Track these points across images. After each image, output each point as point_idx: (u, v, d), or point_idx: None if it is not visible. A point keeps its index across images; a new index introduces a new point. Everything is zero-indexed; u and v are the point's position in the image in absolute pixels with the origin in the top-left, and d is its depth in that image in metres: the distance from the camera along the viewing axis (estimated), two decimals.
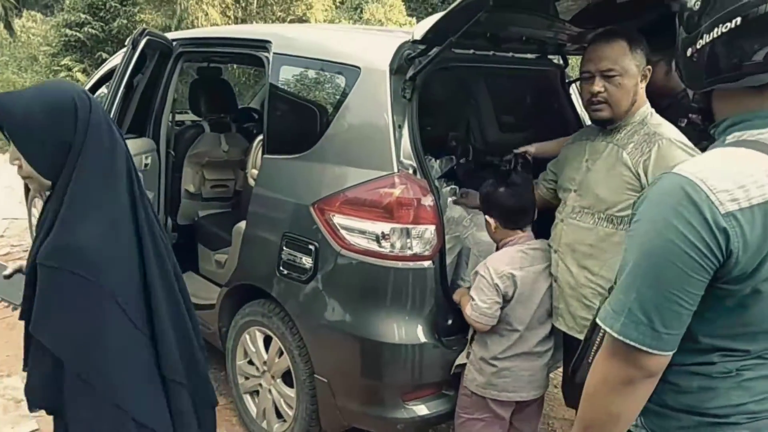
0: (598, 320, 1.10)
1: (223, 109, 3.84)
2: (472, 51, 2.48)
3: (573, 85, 3.05)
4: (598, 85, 1.94)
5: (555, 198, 2.25)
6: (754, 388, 1.10)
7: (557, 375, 2.98)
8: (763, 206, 0.96)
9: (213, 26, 11.07)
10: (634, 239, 1.05)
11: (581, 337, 2.02)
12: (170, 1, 12.25)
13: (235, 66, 8.00)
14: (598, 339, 1.26)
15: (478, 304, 2.07)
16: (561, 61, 3.01)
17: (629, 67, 1.91)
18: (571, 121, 3.02)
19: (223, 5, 12.90)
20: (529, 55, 2.84)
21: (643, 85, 1.95)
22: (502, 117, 3.50)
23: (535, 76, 3.08)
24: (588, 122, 2.95)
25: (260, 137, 2.84)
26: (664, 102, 2.29)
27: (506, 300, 2.10)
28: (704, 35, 1.04)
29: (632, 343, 1.02)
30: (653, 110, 1.98)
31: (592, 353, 1.27)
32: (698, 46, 1.05)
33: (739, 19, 0.99)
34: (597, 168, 1.98)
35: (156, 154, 3.22)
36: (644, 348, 1.02)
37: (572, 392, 2.40)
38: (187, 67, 4.04)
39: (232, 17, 12.99)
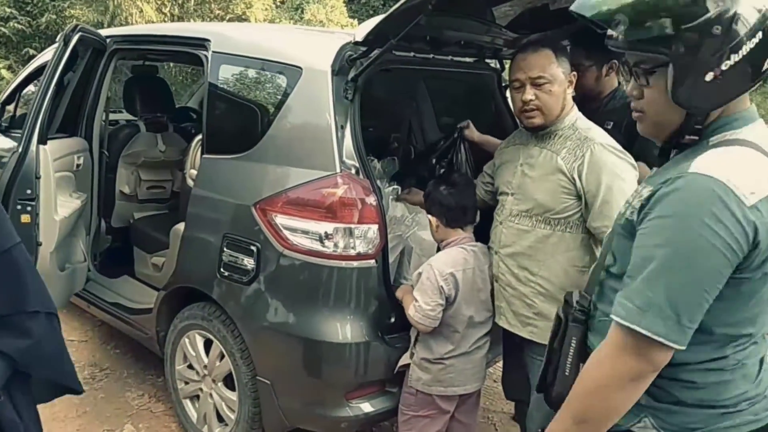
0: (616, 318, 1.10)
1: (159, 108, 3.74)
2: (412, 54, 2.52)
3: (509, 88, 3.14)
4: (530, 93, 2.01)
5: (493, 199, 2.31)
6: (751, 374, 1.18)
7: (497, 369, 3.05)
8: None
9: (149, 23, 10.76)
10: (662, 236, 1.07)
11: (523, 333, 2.10)
12: None
13: (171, 64, 7.80)
14: (571, 350, 1.30)
15: (422, 306, 2.10)
16: (498, 65, 3.09)
17: (557, 74, 1.99)
18: (507, 124, 3.10)
19: (159, 2, 12.55)
20: (467, 59, 2.91)
21: (570, 91, 2.04)
22: (442, 119, 3.56)
23: (474, 79, 3.15)
24: None
25: (199, 137, 2.78)
26: (592, 105, 2.39)
27: (449, 302, 2.14)
28: (731, 55, 1.08)
29: (658, 338, 1.05)
30: (581, 114, 2.07)
31: (568, 365, 1.30)
32: (724, 68, 1.09)
33: (760, 34, 1.08)
34: (534, 173, 2.05)
35: (89, 155, 3.11)
36: (668, 342, 1.05)
37: (511, 386, 2.48)
38: (120, 65, 3.91)
39: (168, 14, 12.64)
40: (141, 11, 11.97)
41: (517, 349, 2.23)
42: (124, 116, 4.12)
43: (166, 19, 12.36)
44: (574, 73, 2.05)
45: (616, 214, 1.89)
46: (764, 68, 1.11)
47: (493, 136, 2.71)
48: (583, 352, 1.30)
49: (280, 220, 2.18)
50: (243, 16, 13.34)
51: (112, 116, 3.88)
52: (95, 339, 3.52)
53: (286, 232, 2.17)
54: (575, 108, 2.09)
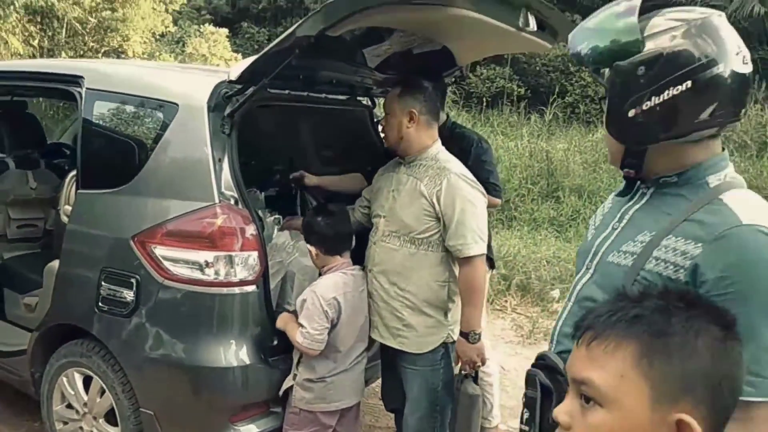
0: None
1: (30, 145, 3.63)
2: (287, 91, 2.69)
3: (380, 123, 3.40)
4: (384, 121, 2.42)
5: (369, 222, 2.52)
6: None
7: (379, 386, 3.22)
8: None
9: (15, 57, 10.20)
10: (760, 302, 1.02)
11: (394, 344, 2.29)
12: None
13: (41, 99, 7.45)
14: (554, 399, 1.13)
15: (309, 331, 2.21)
16: (369, 102, 3.34)
17: (394, 108, 2.34)
18: (379, 153, 3.34)
19: (26, 33, 11.91)
20: (340, 96, 3.12)
21: (410, 125, 2.30)
22: (323, 152, 3.75)
23: (347, 115, 3.37)
24: None
25: (73, 173, 2.77)
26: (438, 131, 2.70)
27: (333, 324, 2.27)
28: (652, 97, 1.11)
29: None
30: (443, 148, 2.35)
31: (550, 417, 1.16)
32: (644, 107, 1.12)
33: (689, 83, 1.09)
34: (401, 198, 2.30)
35: None
36: None
37: (389, 397, 2.65)
38: None
39: (37, 47, 12.03)
40: (6, 43, 11.30)
41: (391, 361, 2.42)
42: None
43: (35, 51, 11.74)
44: (412, 110, 2.30)
45: (471, 235, 2.13)
46: (700, 118, 1.12)
47: (368, 164, 2.94)
48: None
49: (160, 251, 2.24)
50: (119, 49, 12.94)
51: None
52: None
53: (166, 263, 2.23)
54: (438, 142, 2.37)
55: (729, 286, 1.03)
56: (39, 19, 12.11)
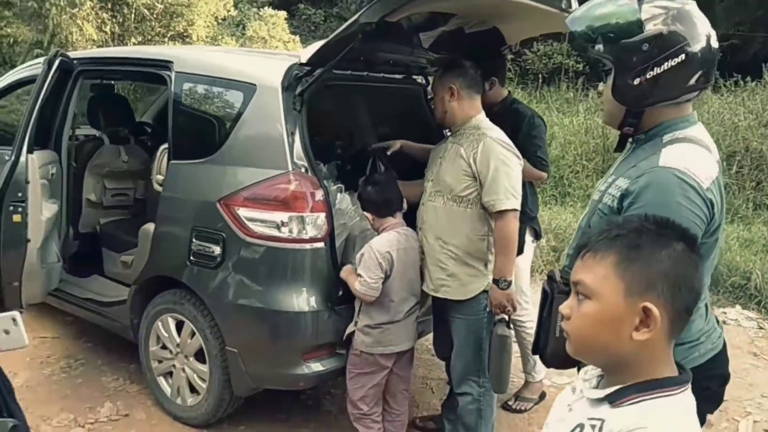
0: None
1: (121, 123, 4.07)
2: (349, 72, 2.99)
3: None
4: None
5: None
6: (703, 314, 1.54)
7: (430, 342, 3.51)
8: (716, 180, 1.45)
9: (92, 44, 10.86)
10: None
11: (439, 294, 2.59)
12: (41, 15, 11.80)
13: (119, 84, 8.01)
14: (560, 317, 1.51)
15: (366, 280, 2.52)
16: (424, 81, 3.60)
17: (437, 87, 2.64)
18: (433, 131, 3.60)
19: (99, 20, 12.62)
20: (396, 76, 3.40)
21: (452, 99, 2.58)
22: (379, 128, 4.04)
23: (404, 93, 3.64)
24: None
25: (164, 146, 3.16)
26: (494, 108, 2.94)
27: (387, 276, 2.58)
28: (654, 68, 1.42)
29: None
30: (485, 118, 2.62)
31: (558, 329, 1.52)
32: (648, 76, 1.44)
33: (683, 56, 1.42)
34: (446, 162, 2.58)
35: (59, 165, 3.43)
36: None
37: (439, 346, 2.94)
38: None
39: (109, 33, 12.71)
40: (81, 30, 11.99)
41: (441, 313, 2.72)
42: (87, 131, 4.42)
43: (106, 37, 12.40)
44: (451, 86, 2.57)
45: (503, 191, 2.40)
46: (689, 83, 1.44)
47: (420, 140, 3.21)
48: None
49: (242, 212, 2.60)
50: (185, 34, 13.45)
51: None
52: (67, 335, 3.81)
53: (248, 223, 2.59)
54: (481, 114, 2.64)
55: (635, 207, 1.38)
56: (110, 6, 12.79)
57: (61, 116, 3.42)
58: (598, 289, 0.98)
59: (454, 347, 2.65)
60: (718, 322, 1.60)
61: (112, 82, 4.52)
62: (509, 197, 2.44)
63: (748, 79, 8.72)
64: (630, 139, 1.60)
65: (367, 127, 4.01)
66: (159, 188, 3.12)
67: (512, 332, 2.58)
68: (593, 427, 0.96)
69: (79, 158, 3.74)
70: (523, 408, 3.28)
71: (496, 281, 2.47)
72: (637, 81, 1.46)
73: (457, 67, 2.61)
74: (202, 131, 2.91)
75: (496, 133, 2.54)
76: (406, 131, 3.76)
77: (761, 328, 4.43)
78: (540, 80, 11.94)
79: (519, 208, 2.48)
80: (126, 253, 3.49)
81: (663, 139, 1.48)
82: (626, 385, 0.97)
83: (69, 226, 3.68)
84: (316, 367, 2.64)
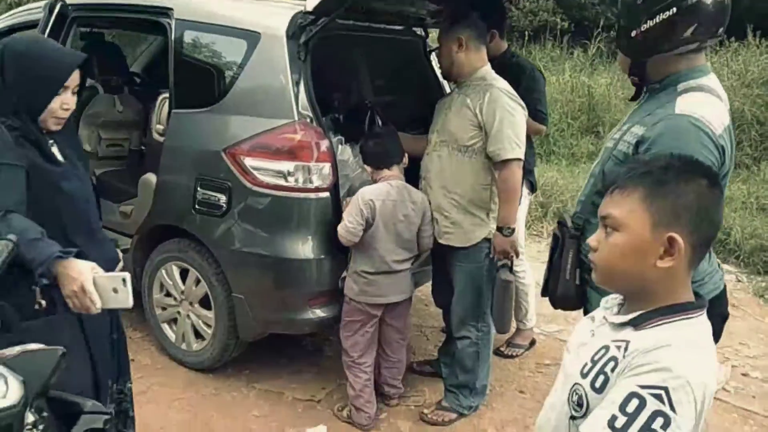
0: None
1: (114, 72, 4.02)
2: (351, 21, 2.99)
3: (433, 53, 3.65)
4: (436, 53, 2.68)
5: None
6: (707, 257, 1.58)
7: (427, 296, 3.61)
8: (728, 128, 1.53)
9: None
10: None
11: (442, 241, 2.66)
12: None
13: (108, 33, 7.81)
14: (570, 259, 1.69)
15: (346, 224, 2.56)
16: (423, 33, 3.60)
17: (445, 39, 2.65)
18: (432, 84, 3.63)
19: None
20: (397, 27, 3.40)
21: (459, 51, 2.60)
22: (376, 81, 4.04)
23: (403, 45, 3.64)
24: (446, 87, 3.64)
25: (163, 95, 3.15)
26: (495, 61, 2.97)
27: (369, 224, 2.58)
28: (648, 20, 1.52)
29: None
30: (491, 70, 2.65)
31: (568, 271, 1.70)
32: (642, 29, 1.53)
33: (675, 9, 1.49)
34: (451, 113, 2.63)
35: None
36: None
37: (438, 294, 3.04)
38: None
39: None
40: None
41: (441, 260, 2.80)
42: None
43: None
44: (459, 36, 2.59)
45: (507, 141, 2.45)
46: (685, 35, 1.51)
47: (418, 92, 3.24)
48: (578, 260, 1.73)
49: (248, 161, 2.62)
50: None
51: None
52: None
53: (254, 172, 2.62)
54: (487, 66, 2.67)
55: (651, 151, 1.47)
56: None
57: None
58: (626, 221, 1.06)
59: (455, 294, 2.74)
60: (719, 266, 1.70)
61: (106, 30, 4.43)
62: (514, 147, 2.49)
63: (733, 39, 8.80)
64: (645, 89, 1.67)
65: (365, 80, 4.01)
66: (159, 138, 3.12)
67: (514, 276, 2.68)
68: (618, 348, 1.04)
69: None
70: (514, 354, 3.42)
71: (500, 229, 2.55)
72: (633, 33, 1.58)
73: (465, 18, 2.62)
74: (204, 80, 2.90)
75: (502, 83, 2.58)
76: (404, 84, 3.79)
77: (739, 281, 4.62)
78: (526, 38, 11.87)
79: (522, 157, 2.53)
80: (125, 203, 3.50)
81: (677, 88, 1.56)
82: (649, 310, 1.05)
83: None
84: (321, 312, 2.72)
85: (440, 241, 2.68)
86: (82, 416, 1.24)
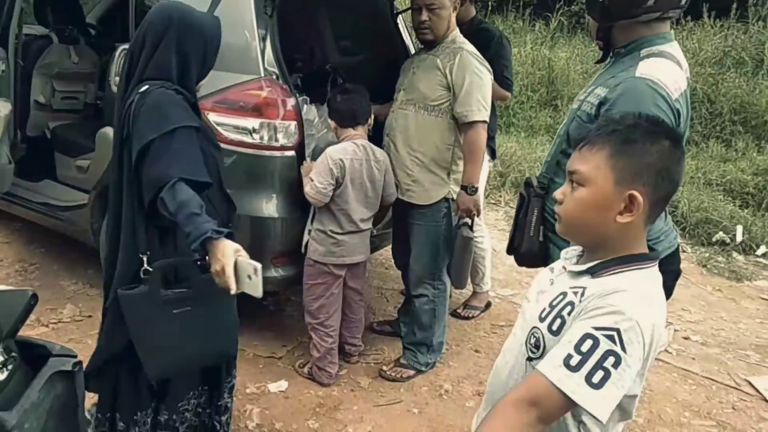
0: None
1: (70, 21, 3.86)
2: None
3: (400, 15, 3.64)
4: (425, 15, 2.61)
5: None
6: (663, 216, 1.68)
7: (387, 260, 3.68)
8: (684, 93, 1.59)
9: None
10: None
11: (404, 197, 2.71)
12: None
13: None
14: (534, 217, 1.78)
15: (315, 184, 2.56)
16: None
17: (445, 1, 2.59)
18: (398, 47, 3.62)
19: None
20: None
21: (454, 15, 2.62)
22: (341, 41, 4.01)
23: (369, 6, 3.61)
24: (412, 51, 3.64)
25: (123, 46, 3.05)
26: (463, 26, 2.99)
27: (338, 183, 2.60)
28: None
29: None
30: (460, 33, 2.69)
31: (532, 227, 1.77)
32: None
33: None
34: (420, 72, 2.67)
35: (7, 63, 3.25)
36: None
37: (398, 254, 3.09)
38: None
39: None
40: None
41: (402, 219, 2.85)
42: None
43: None
44: (459, 1, 2.63)
45: (475, 103, 2.50)
46: (647, 4, 1.59)
47: (385, 56, 3.24)
48: (542, 217, 1.80)
49: (213, 117, 2.58)
50: None
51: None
52: (18, 240, 3.74)
53: (219, 128, 2.58)
54: (457, 29, 2.70)
55: (611, 111, 1.52)
56: None
57: (7, 12, 3.22)
58: (592, 177, 1.11)
59: (412, 253, 2.80)
60: (674, 227, 1.80)
61: None
62: (480, 109, 2.55)
63: (689, 18, 9.02)
64: (611, 53, 1.74)
65: (329, 40, 3.98)
66: (116, 90, 3.02)
67: (474, 234, 2.76)
68: (575, 293, 1.11)
69: (26, 57, 3.56)
70: (470, 315, 3.53)
71: (464, 187, 2.62)
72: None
73: None
74: None
75: (471, 47, 2.63)
76: (368, 47, 3.77)
77: (684, 251, 4.83)
78: (489, 8, 11.88)
79: (488, 120, 2.60)
80: (82, 157, 3.41)
81: (640, 53, 1.64)
82: (606, 259, 1.12)
83: (16, 129, 3.53)
84: (283, 271, 2.74)
85: (401, 198, 2.74)
86: (50, 359, 1.25)
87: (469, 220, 2.67)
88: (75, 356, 1.29)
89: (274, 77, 2.61)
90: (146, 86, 1.72)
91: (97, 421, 1.91)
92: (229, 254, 1.53)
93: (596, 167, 1.11)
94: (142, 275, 1.73)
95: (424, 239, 2.77)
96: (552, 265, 1.28)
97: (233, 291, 1.53)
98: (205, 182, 1.67)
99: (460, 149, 2.67)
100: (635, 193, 1.08)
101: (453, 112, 2.59)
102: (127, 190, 1.76)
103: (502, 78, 3.10)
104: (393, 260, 3.21)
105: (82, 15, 4.13)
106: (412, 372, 2.87)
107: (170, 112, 1.69)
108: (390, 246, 3.26)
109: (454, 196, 2.69)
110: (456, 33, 2.68)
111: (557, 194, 1.18)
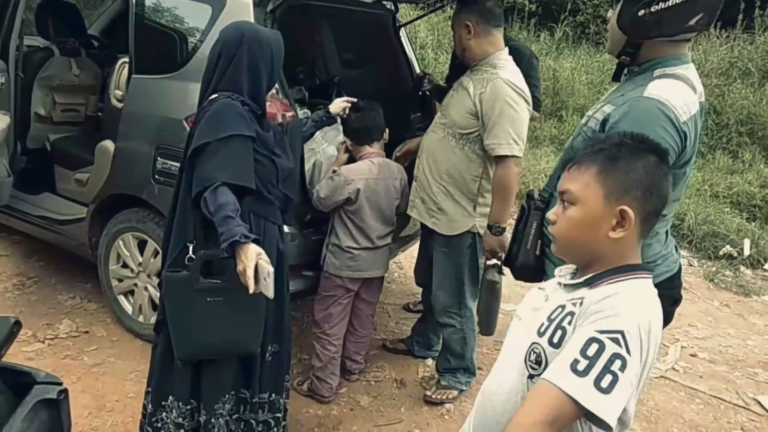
0: None
1: (72, 33, 3.85)
2: None
3: (402, 29, 3.61)
4: (456, 35, 2.59)
5: None
6: (662, 239, 1.68)
7: (391, 273, 3.63)
8: (693, 117, 1.55)
9: None
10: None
11: (428, 223, 2.63)
12: None
13: None
14: (533, 230, 1.74)
15: (320, 194, 2.57)
16: (393, 7, 3.55)
17: (455, 23, 2.56)
18: (400, 61, 3.59)
19: None
20: (366, 0, 3.34)
21: (468, 36, 2.51)
22: (343, 54, 3.98)
23: (371, 19, 3.59)
24: (416, 64, 3.61)
25: (123, 59, 3.03)
26: None
27: (351, 201, 2.60)
28: (660, 3, 1.52)
29: None
30: (504, 56, 2.52)
31: (530, 241, 1.74)
32: (652, 10, 1.54)
33: None
34: (456, 94, 2.56)
35: (7, 75, 3.24)
36: None
37: (419, 273, 3.02)
38: None
39: None
40: None
41: (427, 241, 2.79)
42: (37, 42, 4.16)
43: None
44: (467, 23, 2.49)
45: (504, 136, 2.37)
46: (689, 23, 1.54)
47: (387, 68, 3.19)
48: (540, 232, 1.77)
49: None
50: None
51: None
52: (17, 253, 3.71)
53: None
54: (501, 51, 2.53)
55: (614, 129, 1.50)
56: None
57: (8, 23, 3.21)
58: (582, 195, 1.12)
59: (436, 279, 2.73)
60: (677, 249, 1.75)
61: None
62: (511, 143, 2.37)
63: None
64: (625, 71, 1.71)
65: (332, 53, 3.95)
66: (118, 104, 3.01)
67: (502, 278, 2.43)
68: (574, 304, 1.10)
69: (27, 69, 3.54)
70: None
71: (489, 227, 2.46)
72: (641, 12, 1.57)
73: (472, 3, 2.51)
74: (166, 46, 2.80)
75: (509, 74, 2.44)
76: (370, 60, 3.74)
77: (691, 264, 4.78)
78: None
79: (520, 155, 2.41)
80: (81, 170, 3.38)
81: (653, 74, 1.59)
82: (601, 270, 1.12)
83: (16, 141, 3.51)
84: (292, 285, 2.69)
85: (426, 222, 2.66)
86: (34, 386, 1.21)
87: (497, 263, 2.41)
88: (60, 383, 1.25)
89: (274, 91, 2.57)
90: (216, 95, 1.92)
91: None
92: (252, 257, 1.66)
93: (586, 185, 1.11)
94: (186, 261, 1.90)
95: (446, 268, 2.68)
96: (542, 284, 1.28)
97: (251, 290, 1.66)
98: (248, 188, 1.84)
99: (489, 182, 2.52)
100: (626, 208, 1.09)
101: (483, 142, 2.43)
102: (183, 183, 1.96)
103: (533, 98, 3.03)
104: (414, 277, 3.15)
105: (83, 27, 4.12)
106: (455, 392, 2.83)
107: (230, 120, 1.85)
108: (394, 260, 3.21)
109: (481, 232, 2.55)
110: (497, 55, 2.50)
111: (550, 215, 1.18)
